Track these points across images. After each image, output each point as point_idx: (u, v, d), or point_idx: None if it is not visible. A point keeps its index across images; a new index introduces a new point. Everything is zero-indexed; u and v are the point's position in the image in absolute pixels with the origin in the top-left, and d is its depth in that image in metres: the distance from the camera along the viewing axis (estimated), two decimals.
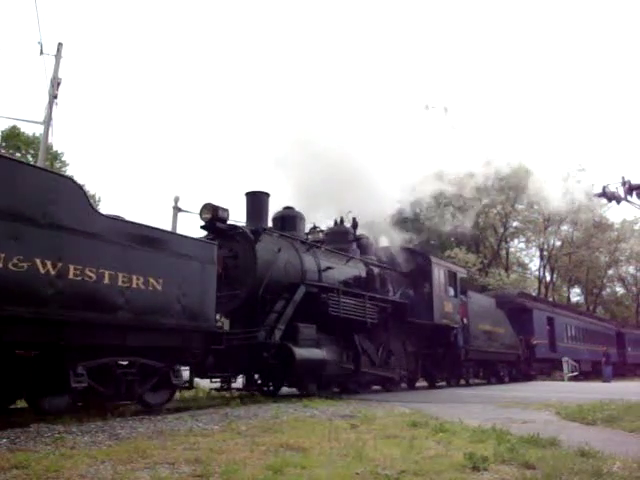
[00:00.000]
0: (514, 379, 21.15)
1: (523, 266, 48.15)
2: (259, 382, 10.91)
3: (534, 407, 8.99)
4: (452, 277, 16.49)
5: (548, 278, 45.35)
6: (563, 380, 23.80)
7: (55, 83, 14.86)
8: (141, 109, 70.05)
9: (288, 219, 12.37)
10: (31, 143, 29.67)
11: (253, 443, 4.90)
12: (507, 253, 43.30)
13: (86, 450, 4.48)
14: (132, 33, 68.70)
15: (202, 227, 10.45)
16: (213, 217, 10.21)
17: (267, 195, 11.73)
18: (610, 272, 47.84)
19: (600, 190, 12.96)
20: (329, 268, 12.05)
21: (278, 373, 10.16)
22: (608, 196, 12.61)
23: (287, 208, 12.66)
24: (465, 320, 16.83)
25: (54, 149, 29.89)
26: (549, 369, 25.27)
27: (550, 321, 25.98)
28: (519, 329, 21.64)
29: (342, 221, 14.76)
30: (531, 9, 64.07)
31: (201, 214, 10.33)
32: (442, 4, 56.89)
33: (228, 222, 10.67)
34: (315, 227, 12.72)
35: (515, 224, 42.56)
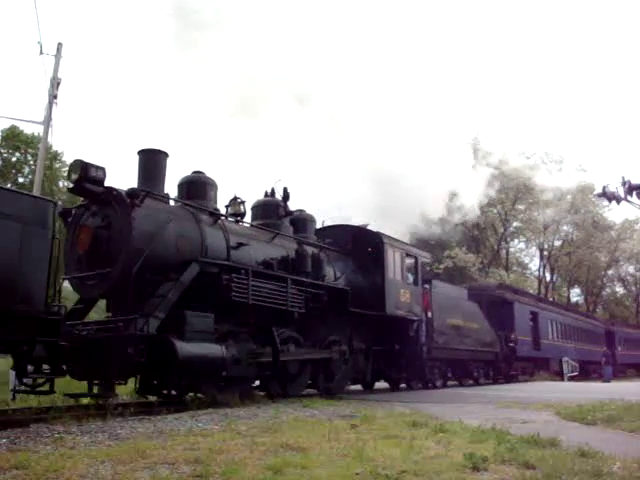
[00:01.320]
0: (494, 380, 19.37)
1: (523, 266, 48.20)
2: (159, 385, 8.91)
3: (534, 407, 9.01)
4: (412, 261, 14.19)
5: (548, 278, 45.41)
6: (563, 380, 23.78)
7: (55, 83, 14.83)
8: (141, 108, 70.06)
9: (196, 186, 10.11)
10: (31, 143, 29.66)
11: (253, 443, 4.90)
12: (507, 253, 43.34)
13: (86, 450, 4.48)
14: (131, 33, 68.62)
15: (69, 190, 8.58)
16: (82, 177, 8.00)
17: (165, 154, 9.51)
18: (610, 272, 47.86)
19: (600, 190, 12.93)
20: (242, 245, 9.79)
21: (154, 374, 8.37)
22: (608, 196, 12.56)
23: (196, 172, 10.48)
24: (430, 313, 14.92)
25: (54, 149, 29.86)
26: (532, 369, 23.26)
27: (534, 316, 23.78)
28: (498, 324, 19.53)
29: (273, 193, 11.98)
30: (529, 9, 64.10)
31: (69, 174, 8.24)
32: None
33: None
34: (236, 198, 10.75)
35: (515, 224, 42.61)
